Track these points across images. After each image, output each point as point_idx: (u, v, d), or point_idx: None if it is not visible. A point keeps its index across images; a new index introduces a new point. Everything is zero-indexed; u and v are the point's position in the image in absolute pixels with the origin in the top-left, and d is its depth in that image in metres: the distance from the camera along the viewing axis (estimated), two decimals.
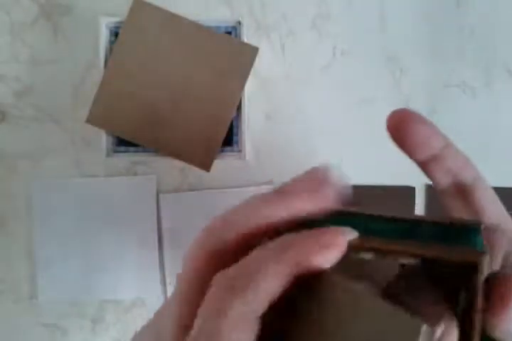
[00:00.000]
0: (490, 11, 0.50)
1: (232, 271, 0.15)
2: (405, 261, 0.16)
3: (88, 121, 0.45)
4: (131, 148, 0.46)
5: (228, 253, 0.17)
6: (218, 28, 0.45)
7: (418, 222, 0.17)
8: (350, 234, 0.16)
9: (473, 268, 0.14)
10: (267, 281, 0.15)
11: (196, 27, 0.44)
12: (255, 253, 0.16)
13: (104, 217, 0.48)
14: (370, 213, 0.17)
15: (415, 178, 0.49)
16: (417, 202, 0.48)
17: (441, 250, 0.15)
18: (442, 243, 0.16)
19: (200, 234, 0.17)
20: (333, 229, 0.16)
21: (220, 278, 0.15)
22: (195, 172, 0.48)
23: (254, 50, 0.44)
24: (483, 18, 0.49)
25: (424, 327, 0.13)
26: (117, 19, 0.45)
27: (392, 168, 0.49)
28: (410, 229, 0.17)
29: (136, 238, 0.48)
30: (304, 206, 0.17)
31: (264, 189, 0.48)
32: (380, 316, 0.14)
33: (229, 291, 0.15)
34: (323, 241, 0.16)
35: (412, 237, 0.16)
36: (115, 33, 0.45)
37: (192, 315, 0.16)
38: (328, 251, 0.15)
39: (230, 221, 0.17)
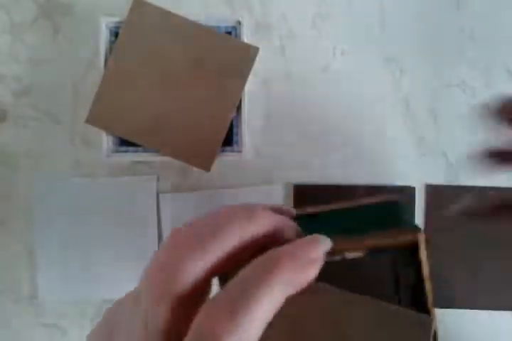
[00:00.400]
0: (490, 11, 0.50)
1: (223, 298, 0.15)
2: (351, 255, 0.17)
3: (88, 121, 0.45)
4: (132, 148, 0.46)
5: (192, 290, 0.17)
6: (218, 28, 0.45)
7: (351, 209, 0.19)
8: (327, 244, 0.17)
9: (413, 244, 0.16)
10: (262, 310, 0.14)
11: (196, 27, 0.44)
12: (242, 280, 0.15)
13: (104, 217, 0.48)
14: (308, 212, 0.19)
15: (415, 178, 0.49)
16: (417, 202, 0.48)
17: (379, 237, 0.17)
18: (378, 227, 0.17)
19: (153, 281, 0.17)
20: (311, 241, 0.17)
21: (211, 308, 0.15)
22: (195, 172, 0.48)
23: (254, 50, 0.44)
24: (483, 18, 0.49)
25: (434, 323, 0.14)
26: (117, 19, 0.45)
27: (392, 168, 0.49)
28: (348, 216, 0.19)
29: (136, 238, 0.48)
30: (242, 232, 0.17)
31: (264, 189, 0.49)
32: (381, 316, 0.14)
33: (224, 321, 0.14)
34: (309, 257, 0.16)
35: (351, 225, 0.18)
36: (115, 33, 0.45)
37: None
38: (315, 266, 0.16)
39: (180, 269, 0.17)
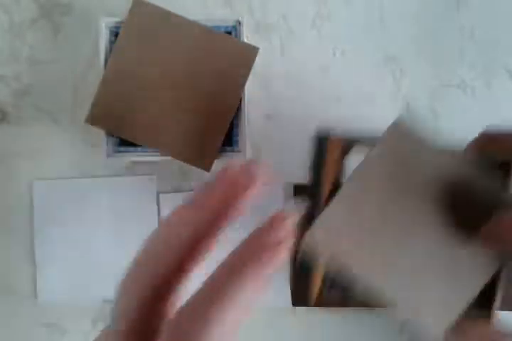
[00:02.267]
0: (490, 10, 0.49)
1: (196, 300, 0.17)
2: None
3: (87, 121, 0.45)
4: (131, 148, 0.46)
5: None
6: (218, 28, 0.45)
7: None
8: (293, 217, 0.18)
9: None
10: (236, 306, 0.15)
11: (196, 27, 0.44)
12: (213, 282, 0.17)
13: (104, 217, 0.48)
14: None
15: None
16: None
17: None
18: None
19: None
20: (274, 223, 0.17)
21: (186, 308, 0.17)
22: (195, 172, 0.48)
23: (254, 50, 0.44)
24: (483, 18, 0.49)
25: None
26: (117, 19, 0.45)
27: None
28: None
29: (136, 238, 0.48)
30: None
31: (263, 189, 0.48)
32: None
33: (200, 321, 0.15)
34: (275, 242, 0.16)
35: None
36: (115, 33, 0.45)
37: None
38: (285, 245, 0.17)
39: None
